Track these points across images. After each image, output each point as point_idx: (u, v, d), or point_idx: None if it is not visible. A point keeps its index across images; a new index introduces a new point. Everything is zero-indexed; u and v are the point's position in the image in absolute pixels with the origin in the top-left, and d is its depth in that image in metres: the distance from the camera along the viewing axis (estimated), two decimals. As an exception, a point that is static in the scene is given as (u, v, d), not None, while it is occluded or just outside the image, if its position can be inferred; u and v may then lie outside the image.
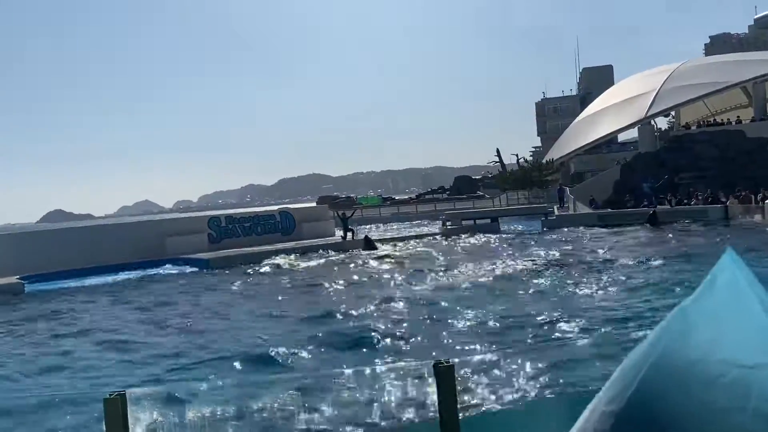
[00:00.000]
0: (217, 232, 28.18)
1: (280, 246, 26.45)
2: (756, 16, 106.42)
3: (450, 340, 9.81)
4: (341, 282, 17.57)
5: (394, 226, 42.33)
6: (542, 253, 20.87)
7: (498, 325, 10.57)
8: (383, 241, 28.49)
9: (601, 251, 20.36)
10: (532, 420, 6.26)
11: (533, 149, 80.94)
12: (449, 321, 11.15)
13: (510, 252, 22.27)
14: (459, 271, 17.82)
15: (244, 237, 28.41)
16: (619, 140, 55.43)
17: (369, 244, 26.84)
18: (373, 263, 21.68)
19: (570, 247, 22.40)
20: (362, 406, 6.35)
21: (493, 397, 6.67)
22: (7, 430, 6.64)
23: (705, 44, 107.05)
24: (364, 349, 9.67)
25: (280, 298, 15.78)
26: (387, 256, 23.51)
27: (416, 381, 6.11)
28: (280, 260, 23.51)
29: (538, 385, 6.90)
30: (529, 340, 9.51)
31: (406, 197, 79.06)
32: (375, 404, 6.31)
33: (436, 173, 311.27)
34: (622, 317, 10.55)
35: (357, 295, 15.06)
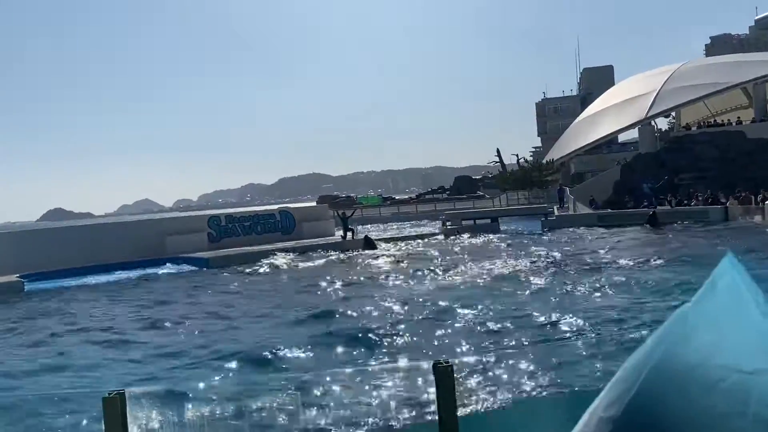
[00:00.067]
0: (217, 231, 28.18)
1: (279, 245, 26.43)
2: (757, 17, 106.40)
3: (450, 340, 9.80)
4: (341, 282, 17.57)
5: (394, 226, 42.34)
6: (542, 253, 20.86)
7: (497, 325, 10.56)
8: (383, 240, 28.50)
9: (601, 251, 20.35)
10: (532, 420, 6.26)
11: (533, 149, 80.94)
12: (448, 321, 11.15)
13: (509, 252, 22.26)
14: (458, 271, 17.81)
15: (244, 236, 28.41)
16: (619, 141, 55.42)
17: (369, 243, 26.85)
18: (373, 263, 21.68)
19: (570, 248, 22.39)
20: (361, 405, 6.35)
21: (492, 397, 6.67)
22: (6, 429, 6.64)
23: (706, 45, 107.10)
24: (363, 349, 9.66)
25: (279, 297, 15.78)
26: (387, 255, 23.51)
27: (415, 381, 6.11)
28: (279, 260, 23.50)
29: (537, 385, 6.89)
30: (527, 340, 9.50)
31: (406, 197, 79.12)
32: (374, 404, 6.31)
33: (436, 173, 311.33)
34: (621, 318, 10.54)
35: (356, 295, 15.06)
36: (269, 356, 9.44)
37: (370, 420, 6.17)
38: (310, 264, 22.34)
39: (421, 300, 13.52)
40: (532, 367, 7.36)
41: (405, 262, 21.55)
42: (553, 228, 30.80)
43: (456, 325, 10.85)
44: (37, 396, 7.54)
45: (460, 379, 6.30)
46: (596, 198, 36.32)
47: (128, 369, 9.55)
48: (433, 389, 4.44)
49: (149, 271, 22.99)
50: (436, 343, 9.67)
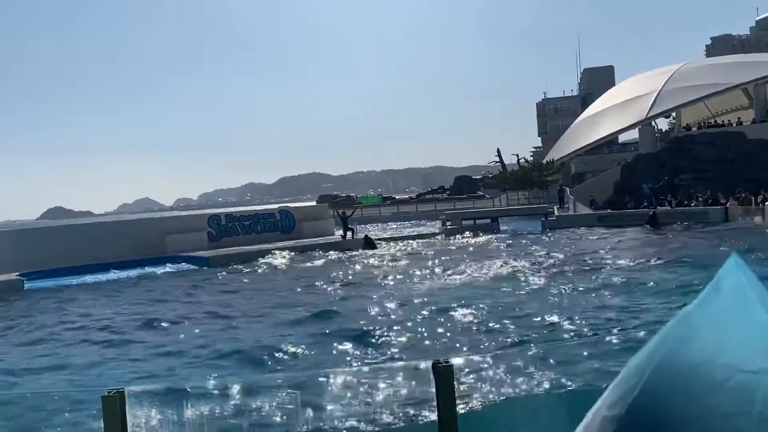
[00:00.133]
0: (217, 230, 28.18)
1: (279, 245, 26.46)
2: (757, 18, 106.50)
3: (449, 340, 9.80)
4: (340, 281, 17.58)
5: (394, 226, 42.33)
6: (541, 253, 20.86)
7: (496, 324, 10.55)
8: (383, 240, 28.51)
9: (601, 252, 20.35)
10: (531, 419, 6.25)
11: (534, 149, 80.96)
12: (448, 320, 11.14)
13: (509, 252, 22.25)
14: (458, 271, 17.80)
15: (244, 235, 28.42)
16: (619, 141, 55.40)
17: (369, 243, 26.86)
18: (373, 262, 21.67)
19: (569, 248, 22.38)
20: (360, 405, 6.34)
21: (491, 396, 6.66)
22: (5, 427, 6.64)
23: (706, 45, 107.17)
24: (363, 349, 9.66)
25: (278, 297, 15.77)
26: (387, 255, 23.52)
27: (414, 380, 6.10)
28: (279, 259, 23.51)
29: (536, 385, 6.89)
30: (527, 339, 9.49)
31: (407, 197, 79.14)
32: (373, 404, 6.31)
33: (436, 173, 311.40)
34: (619, 318, 10.53)
35: (356, 295, 15.06)
36: (268, 355, 9.44)
37: (370, 419, 6.16)
38: (309, 263, 22.34)
39: (420, 299, 13.51)
40: (531, 367, 7.35)
41: (405, 261, 21.55)
42: (553, 228, 30.80)
43: (455, 324, 10.85)
44: (36, 394, 7.53)
45: (460, 379, 6.30)
46: (596, 198, 36.32)
47: (128, 368, 9.55)
48: (432, 389, 4.43)
49: (149, 270, 22.99)
50: (435, 343, 9.67)
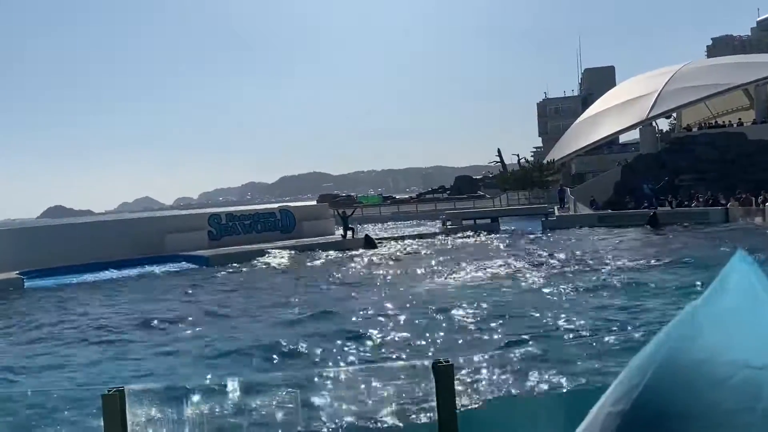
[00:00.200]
0: (218, 229, 28.17)
1: (280, 244, 26.45)
2: (759, 19, 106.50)
3: (449, 339, 9.80)
4: (340, 281, 17.57)
5: (395, 226, 42.32)
6: (541, 253, 20.85)
7: (495, 324, 10.55)
8: (383, 240, 28.50)
9: (601, 252, 20.34)
10: (531, 419, 6.25)
11: (534, 149, 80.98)
12: (448, 320, 11.14)
13: (509, 252, 22.24)
14: (458, 271, 17.80)
15: (244, 235, 28.40)
16: (620, 141, 55.37)
17: (369, 242, 26.86)
18: (373, 262, 21.68)
19: (569, 248, 22.36)
20: (360, 405, 6.34)
21: (491, 396, 6.66)
22: (6, 426, 6.64)
23: (707, 46, 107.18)
24: (363, 348, 9.66)
25: (278, 295, 15.76)
26: (387, 254, 23.51)
27: (414, 380, 6.10)
28: (279, 258, 23.51)
29: (536, 384, 6.88)
30: (526, 339, 9.49)
31: (407, 196, 79.18)
32: (373, 403, 6.30)
33: (436, 173, 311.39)
34: (619, 319, 10.53)
35: (356, 294, 15.06)
36: (268, 355, 9.44)
37: (370, 419, 6.16)
38: (310, 263, 22.33)
39: (420, 299, 13.51)
40: (531, 367, 7.35)
41: (405, 261, 21.55)
42: (554, 228, 30.79)
43: (455, 324, 10.85)
44: (36, 392, 7.53)
45: (460, 378, 6.29)
46: (597, 198, 36.31)
47: (127, 366, 9.55)
48: (432, 388, 4.43)
49: (149, 268, 22.99)
50: (435, 342, 9.66)
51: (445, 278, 16.80)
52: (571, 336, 9.51)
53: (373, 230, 33.12)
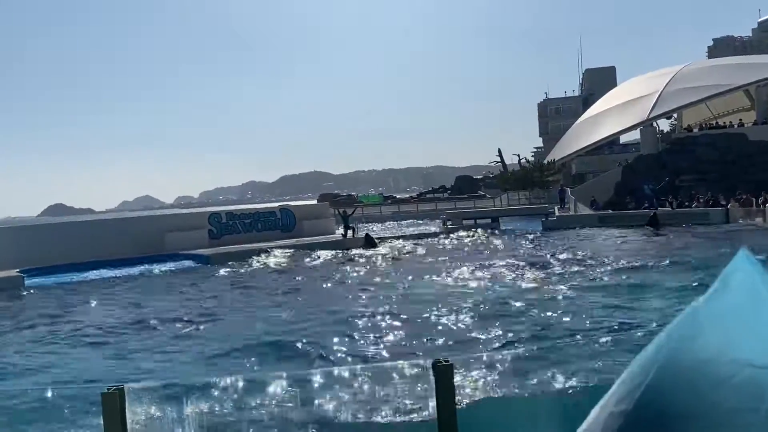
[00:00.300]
0: (218, 228, 28.18)
1: (280, 243, 26.46)
2: (760, 20, 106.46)
3: (449, 339, 9.79)
4: (340, 279, 17.57)
5: (395, 225, 42.32)
6: (541, 253, 20.85)
7: (494, 323, 10.55)
8: (383, 239, 28.50)
9: (601, 252, 20.33)
10: (531, 419, 6.24)
11: (535, 150, 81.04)
12: (448, 319, 11.14)
13: (509, 252, 22.24)
14: (458, 270, 17.79)
15: (244, 233, 28.41)
16: (621, 142, 55.37)
17: (369, 242, 26.86)
18: (373, 261, 21.67)
19: (570, 248, 22.36)
20: (359, 404, 6.34)
21: (491, 396, 6.66)
22: (4, 425, 6.64)
23: (708, 47, 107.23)
24: (362, 347, 9.66)
25: (277, 294, 15.77)
26: (387, 254, 23.51)
27: (414, 380, 6.10)
28: (279, 257, 23.52)
29: (536, 384, 6.88)
30: (526, 339, 9.49)
31: (407, 196, 79.21)
32: (372, 403, 6.30)
33: (437, 172, 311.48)
34: (618, 319, 10.52)
35: (356, 293, 15.06)
36: (268, 354, 9.43)
37: (369, 418, 6.16)
38: (310, 262, 22.34)
39: (420, 298, 13.51)
40: (531, 367, 7.35)
41: (405, 260, 21.55)
42: (554, 228, 30.80)
43: (455, 323, 10.84)
44: (35, 390, 7.53)
45: (459, 378, 6.29)
46: (597, 199, 36.31)
47: (127, 365, 9.55)
48: (432, 388, 4.42)
49: (150, 267, 22.99)
50: (434, 342, 9.66)
51: (445, 277, 16.80)
52: (570, 336, 9.50)
53: (373, 230, 33.11)
